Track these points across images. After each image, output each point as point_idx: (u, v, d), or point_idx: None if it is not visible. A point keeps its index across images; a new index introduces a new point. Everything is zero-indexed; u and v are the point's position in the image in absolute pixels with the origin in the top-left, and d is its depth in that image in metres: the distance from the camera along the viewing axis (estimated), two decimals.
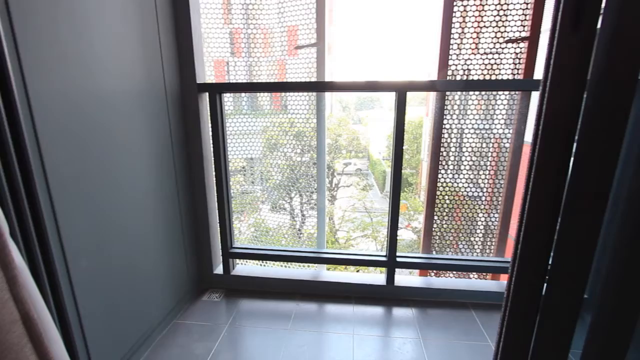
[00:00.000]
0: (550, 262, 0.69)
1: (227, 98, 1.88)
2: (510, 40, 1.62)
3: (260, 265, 2.18)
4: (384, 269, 1.83)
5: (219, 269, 1.97)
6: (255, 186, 2.18)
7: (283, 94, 1.96)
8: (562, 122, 0.61)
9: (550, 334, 0.72)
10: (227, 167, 1.82)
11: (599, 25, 0.58)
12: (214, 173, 1.81)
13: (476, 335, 1.55)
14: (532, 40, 1.60)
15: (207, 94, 1.73)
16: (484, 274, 1.95)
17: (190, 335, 1.57)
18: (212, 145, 1.77)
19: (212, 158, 1.79)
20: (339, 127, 9.69)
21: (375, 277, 1.90)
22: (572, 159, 0.63)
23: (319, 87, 1.75)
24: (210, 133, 1.76)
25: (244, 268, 2.03)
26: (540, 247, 0.68)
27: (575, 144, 0.62)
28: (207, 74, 1.88)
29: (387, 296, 1.83)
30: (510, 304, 0.73)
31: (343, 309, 1.76)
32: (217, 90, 1.71)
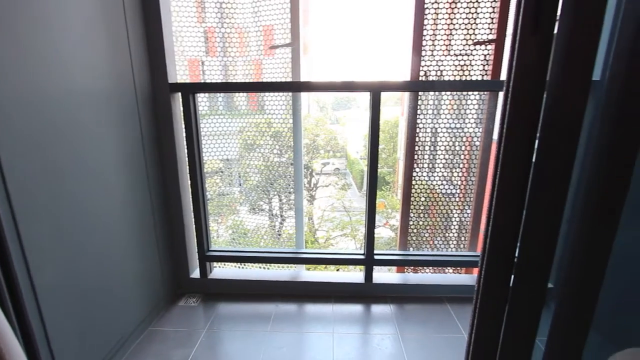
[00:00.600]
0: (516, 255, 0.72)
1: (202, 98, 1.84)
2: (478, 43, 1.68)
3: (239, 267, 2.15)
4: (362, 267, 1.85)
5: (195, 273, 1.93)
6: (233, 188, 2.15)
7: (260, 94, 1.94)
8: (525, 121, 0.64)
9: (519, 322, 0.75)
10: (202, 169, 1.79)
11: (555, 31, 0.61)
12: (188, 175, 1.77)
13: (451, 328, 1.60)
14: (498, 43, 1.67)
15: (179, 94, 1.69)
16: (459, 268, 2.01)
17: (166, 342, 1.52)
18: (186, 147, 1.73)
19: (187, 160, 1.75)
20: (317, 127, 9.70)
21: (354, 275, 1.92)
22: (534, 156, 0.66)
23: (295, 87, 1.75)
24: (184, 134, 1.72)
25: (221, 271, 1.99)
26: (507, 241, 0.71)
27: (537, 142, 0.65)
28: (180, 73, 1.84)
29: (366, 294, 1.86)
30: (480, 296, 0.76)
31: (323, 309, 1.77)
32: (190, 90, 1.67)
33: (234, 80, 1.92)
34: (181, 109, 1.70)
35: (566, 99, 0.60)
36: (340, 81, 1.63)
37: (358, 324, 1.66)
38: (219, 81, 1.91)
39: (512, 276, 0.74)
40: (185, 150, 1.74)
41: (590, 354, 0.67)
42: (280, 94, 1.85)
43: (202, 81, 1.90)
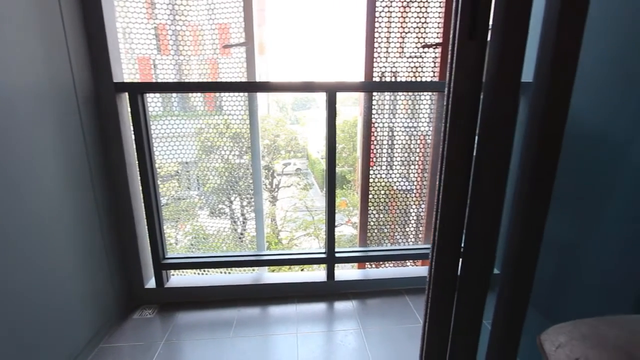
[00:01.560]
0: (462, 246, 0.77)
1: (155, 99, 1.75)
2: (426, 46, 1.77)
3: (199, 274, 2.08)
4: (324, 266, 1.87)
5: (150, 283, 1.83)
6: (192, 191, 2.07)
7: (217, 94, 1.89)
8: (465, 119, 0.69)
9: (467, 307, 0.81)
10: (154, 173, 1.70)
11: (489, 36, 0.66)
12: (139, 180, 1.68)
13: (410, 318, 1.67)
14: (445, 46, 1.77)
15: (126, 94, 1.59)
16: (416, 260, 2.10)
17: (120, 359, 1.43)
18: (135, 150, 1.64)
19: (137, 164, 1.65)
20: (277, 128, 9.63)
21: (316, 274, 1.94)
22: (474, 153, 0.71)
23: (251, 87, 1.73)
24: (133, 137, 1.63)
25: (179, 279, 1.91)
26: (453, 232, 0.75)
27: (476, 139, 0.71)
28: (128, 72, 1.74)
29: (329, 291, 1.88)
30: (432, 285, 0.80)
31: (286, 310, 1.76)
32: (138, 90, 1.58)
33: (190, 80, 1.85)
34: (129, 110, 1.60)
35: (500, 99, 0.65)
36: (296, 81, 1.64)
37: (322, 322, 1.68)
38: (172, 80, 1.83)
39: (460, 265, 0.78)
40: (135, 154, 1.64)
41: (530, 330, 0.73)
42: (239, 94, 1.82)
43: (154, 80, 1.80)
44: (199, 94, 1.87)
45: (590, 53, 1.34)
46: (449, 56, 0.68)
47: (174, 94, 1.87)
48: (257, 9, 1.78)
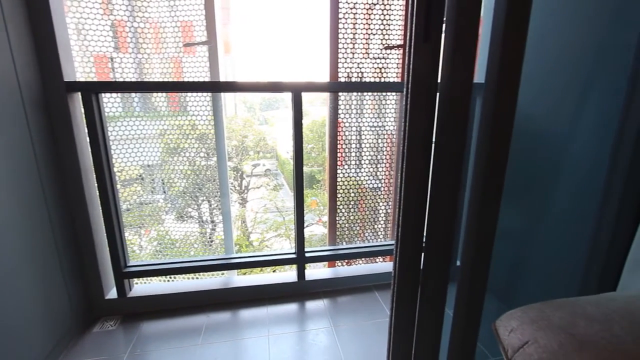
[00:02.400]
0: (424, 240, 0.80)
1: (112, 99, 1.66)
2: (389, 47, 1.82)
3: (166, 281, 2.00)
4: (295, 266, 1.87)
5: (112, 294, 1.74)
6: (157, 195, 1.99)
7: (182, 94, 1.82)
8: (422, 119, 0.71)
9: (430, 298, 0.84)
10: (112, 177, 1.62)
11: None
12: (96, 185, 1.58)
13: (380, 313, 1.71)
14: (405, 48, 1.83)
15: (79, 94, 1.50)
16: (385, 256, 2.16)
17: None
18: (91, 154, 1.54)
19: (93, 168, 1.56)
20: (245, 128, 9.46)
21: (287, 275, 1.93)
22: (433, 151, 0.74)
23: (214, 87, 1.69)
24: (88, 139, 1.54)
25: (144, 287, 1.83)
26: (415, 227, 0.78)
27: (434, 137, 0.74)
28: (81, 71, 1.64)
29: (300, 292, 1.88)
30: (397, 280, 0.83)
31: (257, 312, 1.74)
32: (92, 89, 1.49)
33: (152, 79, 1.77)
34: (82, 110, 1.51)
35: (454, 99, 0.69)
36: (262, 82, 1.62)
37: (293, 322, 1.67)
38: (132, 80, 1.74)
39: (422, 259, 0.82)
40: (92, 158, 1.55)
41: (490, 317, 0.77)
42: (204, 94, 1.77)
43: (113, 80, 1.71)
44: (162, 94, 1.80)
45: (535, 58, 1.44)
46: (407, 58, 0.71)
47: (135, 94, 1.79)
48: (221, 7, 1.74)
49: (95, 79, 1.70)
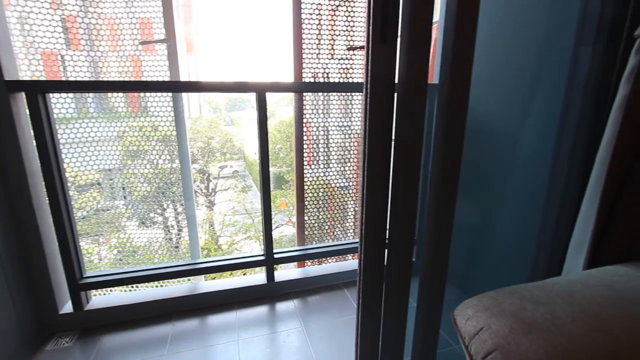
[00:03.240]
0: (387, 237, 0.82)
1: (62, 99, 1.55)
2: (351, 48, 1.85)
3: (128, 290, 1.90)
4: (264, 268, 1.85)
5: (67, 308, 1.62)
6: (117, 201, 1.88)
7: (142, 94, 1.74)
8: (382, 118, 0.73)
9: (394, 293, 0.86)
10: (64, 183, 1.51)
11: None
12: (45, 192, 1.47)
13: (349, 310, 1.74)
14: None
15: (22, 94, 1.39)
16: (354, 254, 2.19)
17: None
18: (39, 158, 1.44)
19: (42, 174, 1.45)
20: (211, 129, 9.21)
21: (256, 277, 1.91)
22: (392, 150, 0.76)
23: (174, 87, 1.63)
24: (35, 143, 1.43)
25: (103, 299, 1.73)
26: (378, 224, 0.80)
27: (393, 137, 0.76)
28: (28, 69, 1.51)
29: (269, 294, 1.87)
30: (362, 276, 0.84)
31: (226, 317, 1.71)
32: (38, 89, 1.39)
33: (109, 78, 1.68)
34: (27, 112, 1.40)
35: (410, 98, 0.71)
36: (224, 81, 1.59)
37: (263, 325, 1.66)
38: (86, 79, 1.64)
39: (385, 255, 0.84)
40: (39, 163, 1.44)
41: (451, 305, 0.80)
42: (165, 94, 1.70)
43: (64, 79, 1.60)
44: (120, 94, 1.71)
45: (486, 62, 1.53)
46: (365, 59, 0.72)
47: (89, 94, 1.68)
48: (182, 5, 1.69)
49: (44, 78, 1.58)
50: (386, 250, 0.84)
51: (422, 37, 0.68)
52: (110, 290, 1.91)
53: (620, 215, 0.77)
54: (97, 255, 1.98)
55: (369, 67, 0.71)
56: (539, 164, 1.31)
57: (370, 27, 0.70)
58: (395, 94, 0.73)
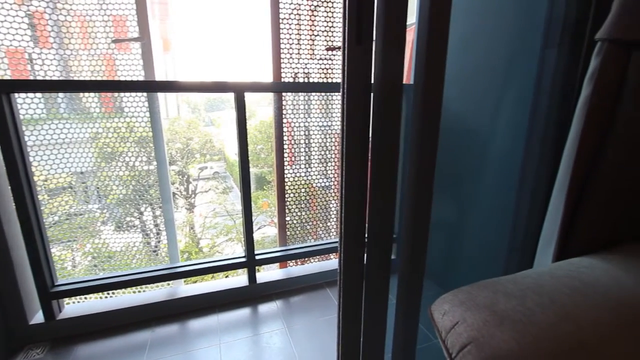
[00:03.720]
0: (366, 236, 0.83)
1: (32, 100, 1.48)
2: (330, 48, 1.86)
3: (104, 297, 1.84)
4: (245, 270, 1.83)
5: (37, 318, 1.56)
6: (91, 205, 1.81)
7: (117, 94, 1.69)
8: (359, 118, 0.74)
9: (374, 290, 0.88)
10: (32, 187, 1.45)
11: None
12: (12, 197, 1.40)
13: (332, 309, 1.74)
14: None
15: None
16: (336, 253, 2.20)
17: None
18: (4, 162, 1.37)
19: (7, 179, 1.38)
20: (189, 130, 9.02)
21: (238, 279, 1.89)
22: (369, 150, 0.78)
23: (148, 87, 1.59)
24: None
25: (77, 307, 1.67)
26: (357, 224, 0.81)
27: (370, 135, 0.77)
28: None
29: (251, 296, 1.85)
30: (342, 274, 0.85)
31: (207, 321, 1.68)
32: (2, 88, 1.32)
33: (79, 78, 1.61)
34: None
35: (386, 99, 0.72)
36: (202, 81, 1.56)
37: (246, 327, 1.64)
38: (57, 78, 1.57)
39: (365, 254, 0.85)
40: (4, 168, 1.37)
41: (430, 300, 0.81)
42: (139, 94, 1.66)
43: (32, 78, 1.53)
44: (93, 94, 1.65)
45: (461, 63, 1.58)
46: (341, 60, 0.73)
47: (60, 94, 1.61)
48: (158, 2, 1.65)
49: (9, 77, 1.51)
50: (365, 249, 0.85)
51: (396, 39, 0.69)
52: (85, 298, 1.84)
53: (585, 210, 0.81)
54: (71, 261, 1.90)
55: (346, 68, 0.72)
56: (511, 162, 1.36)
57: (346, 29, 0.71)
58: (372, 94, 0.74)
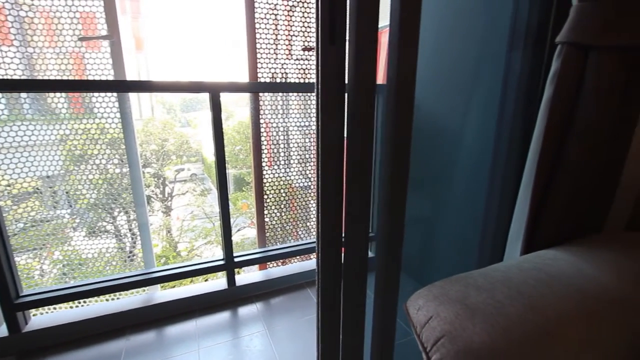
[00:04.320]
0: (343, 235, 0.84)
1: None
2: (306, 48, 1.86)
3: (76, 306, 1.76)
4: (224, 273, 1.81)
5: (2, 331, 1.47)
6: (61, 210, 1.73)
7: (87, 94, 1.62)
8: (333, 118, 0.75)
9: (352, 289, 0.88)
10: None
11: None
12: None
13: (312, 309, 1.75)
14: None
15: None
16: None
17: None
18: None
19: None
20: (165, 131, 8.77)
21: (217, 283, 1.86)
22: (345, 149, 0.78)
23: (118, 86, 1.53)
24: None
25: (45, 318, 1.59)
26: (334, 224, 0.82)
27: (345, 135, 0.78)
28: None
29: (231, 299, 1.82)
30: (320, 274, 0.85)
31: (185, 327, 1.64)
32: None
33: (48, 77, 1.54)
34: None
35: (360, 99, 0.73)
36: (176, 81, 1.53)
37: (225, 331, 1.62)
38: (17, 77, 1.49)
39: (343, 253, 0.86)
40: None
41: (408, 295, 0.83)
42: (110, 94, 1.60)
43: None
44: (60, 94, 1.58)
45: (434, 64, 1.62)
46: (315, 60, 0.73)
47: (23, 94, 1.53)
48: None
49: None
50: (343, 248, 0.85)
51: (369, 39, 0.70)
52: (55, 308, 1.75)
53: (549, 206, 0.85)
54: (39, 270, 1.82)
55: (319, 69, 0.72)
56: (481, 161, 1.41)
57: (319, 29, 0.71)
58: (346, 95, 0.75)
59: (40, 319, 1.58)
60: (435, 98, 1.65)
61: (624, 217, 0.92)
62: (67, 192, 1.71)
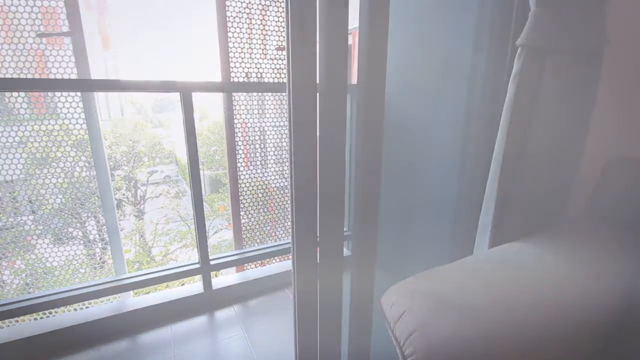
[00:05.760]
0: (317, 233, 0.84)
1: None
2: (279, 48, 1.85)
3: (39, 318, 1.66)
4: (200, 276, 1.77)
5: None
6: (23, 217, 1.63)
7: (50, 93, 1.53)
8: (306, 116, 0.75)
9: (328, 287, 0.89)
10: None
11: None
12: None
13: (291, 310, 1.74)
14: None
15: None
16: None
17: None
18: None
19: None
20: (135, 132, 8.46)
21: (192, 287, 1.81)
22: (318, 148, 0.79)
23: (82, 86, 1.47)
24: None
25: (4, 332, 1.49)
26: (308, 223, 0.82)
27: (317, 134, 0.78)
28: None
29: (207, 303, 1.79)
30: (296, 273, 0.85)
31: (160, 333, 1.59)
32: None
33: (3, 76, 1.45)
34: None
35: (331, 98, 0.74)
36: (144, 80, 1.47)
37: (202, 337, 1.58)
38: None
39: (318, 252, 0.86)
40: None
41: (381, 288, 0.84)
42: (73, 93, 1.52)
43: None
44: (20, 93, 1.49)
45: (405, 65, 1.65)
46: (286, 60, 0.73)
47: None
48: None
49: None
50: (318, 247, 0.86)
51: (338, 39, 0.71)
52: (16, 321, 1.65)
53: (514, 199, 0.89)
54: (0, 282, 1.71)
55: (291, 68, 0.72)
56: (451, 158, 1.46)
57: (289, 29, 0.71)
58: (318, 94, 0.75)
59: (1, 333, 1.48)
60: (405, 97, 1.69)
61: (584, 209, 0.98)
62: (29, 198, 1.62)
